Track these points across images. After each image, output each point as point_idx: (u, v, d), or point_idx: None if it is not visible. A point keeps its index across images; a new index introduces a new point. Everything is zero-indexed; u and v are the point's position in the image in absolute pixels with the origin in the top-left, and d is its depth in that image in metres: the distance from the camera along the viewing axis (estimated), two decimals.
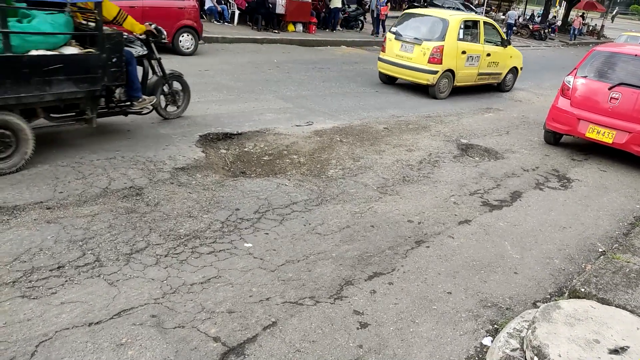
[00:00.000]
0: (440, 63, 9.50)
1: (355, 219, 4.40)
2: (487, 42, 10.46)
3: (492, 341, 3.03)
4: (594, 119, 6.82)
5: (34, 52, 4.40)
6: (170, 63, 9.98)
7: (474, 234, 4.43)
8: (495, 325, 3.21)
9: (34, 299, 2.89)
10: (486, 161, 6.52)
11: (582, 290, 3.32)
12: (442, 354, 2.89)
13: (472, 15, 10.79)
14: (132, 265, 3.30)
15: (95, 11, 4.81)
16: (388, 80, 10.76)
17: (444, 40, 9.48)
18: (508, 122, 8.84)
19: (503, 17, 30.61)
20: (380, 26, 18.70)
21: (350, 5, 20.95)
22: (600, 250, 4.45)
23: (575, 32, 31.21)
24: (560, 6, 39.35)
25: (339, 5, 18.33)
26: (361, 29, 20.16)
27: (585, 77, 7.16)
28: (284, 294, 3.23)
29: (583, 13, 36.80)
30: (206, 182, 4.72)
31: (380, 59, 10.42)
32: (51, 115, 4.92)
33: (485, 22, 10.50)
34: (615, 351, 2.62)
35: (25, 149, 4.44)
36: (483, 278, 3.75)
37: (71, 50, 4.76)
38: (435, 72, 9.54)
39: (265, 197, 4.59)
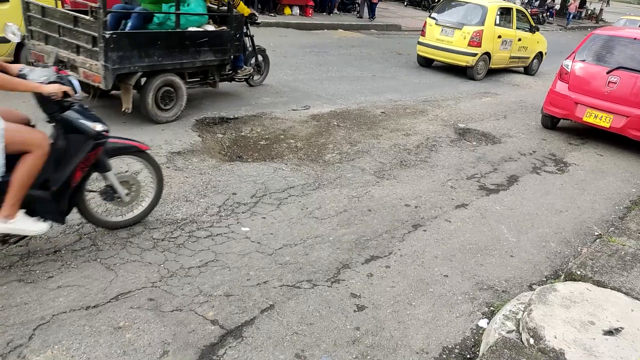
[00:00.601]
0: (480, 46, 10.30)
1: (352, 203, 4.39)
2: (518, 27, 11.26)
3: (488, 323, 3.05)
4: (591, 103, 6.81)
5: (191, 29, 5.73)
6: None
7: (471, 217, 4.44)
8: (492, 308, 3.23)
9: (30, 282, 2.88)
10: (483, 145, 6.51)
11: (578, 273, 3.34)
12: (438, 335, 2.91)
13: (506, 3, 11.40)
14: (129, 249, 3.29)
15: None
16: (425, 63, 11.42)
17: (483, 25, 10.28)
18: (506, 106, 8.81)
19: None
20: (373, 10, 18.28)
21: None
22: (596, 233, 4.47)
23: (571, 17, 31.02)
24: None
25: None
26: (358, 12, 19.96)
27: (583, 60, 7.13)
28: (281, 277, 3.24)
29: None
30: (203, 167, 4.70)
31: (420, 43, 11.09)
32: (188, 80, 6.01)
33: (517, 9, 11.31)
34: (609, 332, 2.65)
35: (182, 102, 5.80)
36: (479, 261, 3.76)
37: (210, 27, 6.05)
38: (474, 55, 10.33)
39: (262, 181, 4.57)
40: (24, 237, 3.03)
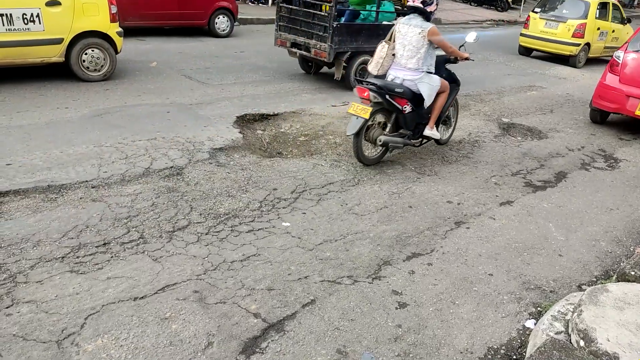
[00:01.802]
0: (583, 37, 11.63)
1: (392, 200, 4.35)
2: (612, 20, 12.47)
3: (535, 324, 2.96)
4: None
5: (384, 22, 7.49)
6: (206, 45, 10.08)
7: (516, 215, 4.32)
8: (539, 308, 3.13)
9: (81, 274, 3.00)
10: (529, 140, 6.31)
11: (632, 273, 3.18)
12: (483, 335, 2.85)
13: None
14: (175, 243, 3.37)
15: None
16: (526, 53, 12.74)
17: (586, 19, 11.58)
18: (552, 100, 8.51)
19: None
20: None
21: None
22: None
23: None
24: None
25: None
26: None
27: (637, 51, 6.79)
28: (322, 272, 3.24)
29: None
30: (244, 162, 4.76)
31: (522, 35, 12.49)
32: None
33: (612, 4, 12.50)
34: None
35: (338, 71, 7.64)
36: (526, 260, 3.65)
37: (394, 22, 7.05)
38: (578, 45, 11.65)
39: (302, 177, 4.59)
40: (432, 140, 5.33)
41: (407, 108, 4.79)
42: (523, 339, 2.87)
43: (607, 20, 12.26)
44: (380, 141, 4.79)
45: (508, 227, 4.10)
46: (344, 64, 7.47)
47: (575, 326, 2.62)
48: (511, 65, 11.19)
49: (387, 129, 4.90)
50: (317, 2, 7.55)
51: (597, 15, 11.81)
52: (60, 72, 6.76)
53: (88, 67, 6.69)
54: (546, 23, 11.98)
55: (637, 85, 6.61)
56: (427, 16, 4.72)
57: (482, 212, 4.29)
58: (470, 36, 5.30)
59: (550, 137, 6.47)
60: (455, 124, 5.90)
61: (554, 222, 4.26)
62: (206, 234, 3.51)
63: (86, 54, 6.62)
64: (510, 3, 23.86)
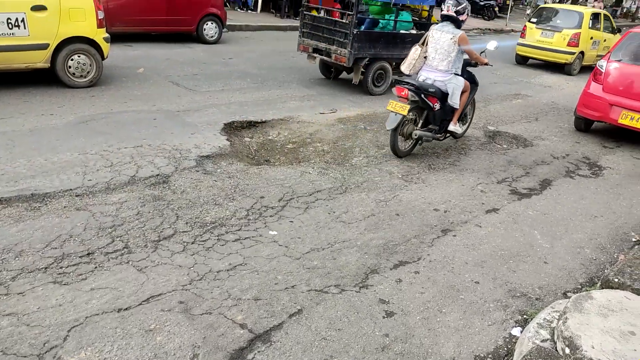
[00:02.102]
0: (577, 46, 12.18)
1: (380, 207, 4.36)
2: (604, 30, 13.05)
3: (521, 332, 2.97)
4: (627, 104, 6.59)
5: (401, 31, 8.13)
6: (194, 51, 10.05)
7: (502, 222, 4.35)
8: (525, 316, 3.15)
9: (65, 285, 2.95)
10: (514, 148, 6.37)
11: (616, 280, 3.22)
12: (469, 344, 2.85)
13: (595, 10, 13.45)
14: (160, 252, 3.34)
15: (427, 9, 8.98)
16: (523, 61, 13.29)
17: (580, 28, 12.16)
18: (537, 108, 8.62)
19: None
20: None
21: None
22: (634, 239, 4.32)
23: None
24: None
25: None
26: None
27: (619, 60, 6.91)
28: (309, 281, 3.23)
29: None
30: (231, 170, 4.74)
31: (519, 44, 13.03)
32: (393, 69, 8.27)
33: (604, 14, 13.24)
34: None
35: (387, 83, 8.29)
36: (512, 267, 3.68)
37: (413, 32, 8.34)
38: (572, 53, 12.16)
39: (289, 185, 4.58)
40: (453, 135, 6.05)
41: (437, 106, 5.37)
42: (509, 347, 2.88)
43: (600, 30, 12.86)
44: (415, 135, 5.43)
45: (494, 234, 4.12)
46: (362, 70, 8.00)
47: (561, 334, 2.64)
48: (497, 73, 11.32)
49: (419, 125, 5.48)
50: (339, 10, 8.63)
51: (590, 25, 12.40)
52: (45, 78, 6.68)
53: (74, 73, 6.63)
54: (542, 33, 12.56)
55: (620, 94, 6.72)
56: (458, 24, 5.28)
57: (469, 220, 4.32)
58: (491, 44, 5.81)
59: (536, 145, 6.54)
60: (471, 121, 6.45)
61: (539, 229, 4.30)
62: (192, 243, 3.48)
63: (72, 59, 6.56)
64: (497, 12, 24.25)
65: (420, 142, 5.65)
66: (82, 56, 6.61)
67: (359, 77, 7.96)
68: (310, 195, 4.45)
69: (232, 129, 5.90)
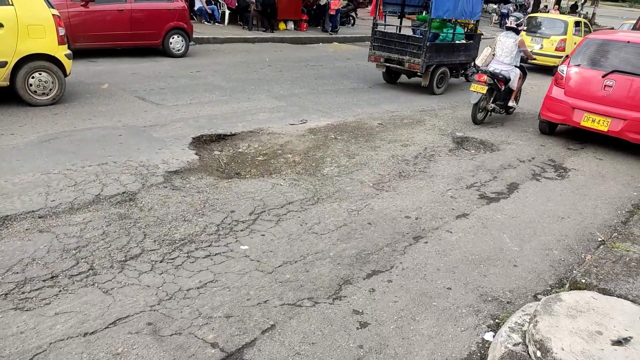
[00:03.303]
0: (564, 50, 13.54)
1: (352, 217, 4.36)
2: (584, 35, 13.61)
3: (493, 336, 2.99)
4: (588, 107, 6.80)
5: (456, 41, 10.14)
6: (161, 65, 9.94)
7: (472, 227, 4.40)
8: (497, 320, 3.18)
9: (27, 310, 2.84)
10: (482, 153, 6.48)
11: (583, 281, 3.29)
12: (443, 351, 2.86)
13: (577, 18, 15.24)
14: (127, 273, 3.25)
15: (473, 23, 11.00)
16: None
17: (566, 34, 13.68)
18: (503, 113, 8.79)
19: (495, 7, 30.64)
20: (329, 21, 17.27)
21: (342, 2, 20.84)
22: (599, 239, 4.43)
23: None
24: None
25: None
26: (353, 24, 20.11)
27: (578, 65, 7.13)
28: (282, 295, 3.19)
29: (576, 1, 36.77)
30: (200, 185, 4.67)
31: None
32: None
33: (584, 22, 14.88)
34: (618, 342, 2.59)
35: (446, 85, 10.17)
36: (483, 272, 3.71)
37: (463, 41, 10.48)
38: (560, 57, 13.27)
39: (260, 197, 4.54)
40: (507, 110, 8.40)
41: (503, 87, 7.72)
42: (483, 352, 2.89)
43: (581, 36, 13.89)
44: (490, 107, 7.82)
45: (464, 240, 4.17)
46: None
47: (532, 337, 2.67)
48: (463, 79, 11.53)
49: (490, 101, 7.84)
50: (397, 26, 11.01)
51: (574, 32, 13.98)
52: (5, 97, 6.48)
53: (35, 91, 6.46)
54: (532, 39, 13.97)
55: (581, 97, 6.93)
56: (517, 32, 7.81)
57: (440, 226, 4.35)
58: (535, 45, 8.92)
59: (502, 150, 6.67)
60: (519, 100, 8.63)
61: (508, 233, 4.37)
62: (160, 262, 3.40)
63: (33, 77, 6.40)
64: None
65: (490, 113, 7.93)
66: (44, 73, 6.45)
67: (427, 80, 9.60)
68: (281, 207, 4.41)
69: (201, 142, 5.83)
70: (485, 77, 7.39)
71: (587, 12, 37.60)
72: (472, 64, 10.61)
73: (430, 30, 9.42)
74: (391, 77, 10.55)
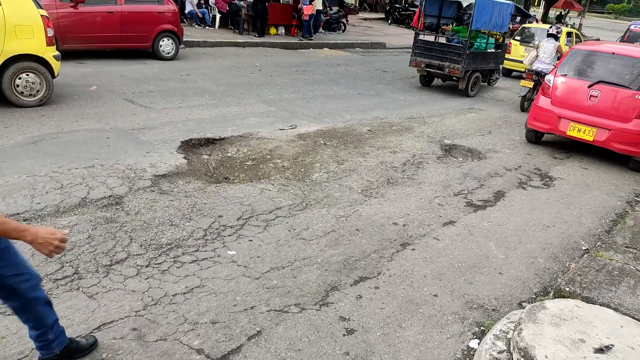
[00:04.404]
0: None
1: (340, 223, 4.36)
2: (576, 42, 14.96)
3: (479, 344, 3.01)
4: (574, 117, 6.90)
5: (489, 50, 11.44)
6: (150, 68, 9.89)
7: (459, 234, 4.43)
8: (482, 327, 3.20)
9: (9, 315, 2.79)
10: (469, 161, 6.54)
11: (567, 289, 3.33)
12: (429, 358, 2.87)
13: (568, 29, 15.83)
14: (112, 277, 3.22)
15: (500, 34, 12.16)
16: (507, 74, 14.94)
17: (558, 43, 14.37)
18: (490, 121, 8.90)
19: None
20: (306, 28, 16.57)
21: (332, 8, 20.98)
22: (583, 248, 4.48)
23: None
24: (539, 6, 39.87)
25: (321, 7, 18.29)
26: (343, 30, 20.21)
27: (565, 75, 7.24)
28: (268, 301, 3.18)
29: (561, 12, 37.34)
30: (188, 189, 4.65)
31: (506, 59, 14.09)
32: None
33: (575, 33, 15.59)
34: (600, 350, 2.62)
35: (478, 88, 11.42)
36: (469, 279, 3.74)
37: (491, 50, 11.69)
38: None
39: (248, 202, 4.53)
40: None
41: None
42: (468, 359, 2.91)
43: (573, 44, 14.34)
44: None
45: (451, 247, 4.20)
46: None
47: (516, 344, 2.69)
48: (451, 88, 11.64)
49: (534, 93, 9.31)
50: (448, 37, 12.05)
51: (566, 42, 14.21)
52: None
53: (22, 92, 6.39)
54: (525, 49, 14.11)
55: (567, 107, 7.04)
56: (557, 38, 9.61)
57: (427, 233, 4.38)
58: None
59: (489, 158, 6.74)
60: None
61: (494, 240, 4.41)
62: (146, 267, 3.37)
63: (20, 78, 6.33)
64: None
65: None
66: (31, 74, 6.39)
67: (465, 84, 10.80)
68: (270, 212, 4.41)
69: (189, 146, 5.81)
70: (532, 75, 9.50)
71: (574, 23, 38.21)
72: (498, 71, 12.20)
73: (469, 39, 10.48)
74: (426, 81, 11.69)
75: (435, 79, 11.78)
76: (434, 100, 10.16)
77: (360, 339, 2.95)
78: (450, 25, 12.87)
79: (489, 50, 11.54)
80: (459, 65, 10.35)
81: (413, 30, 11.67)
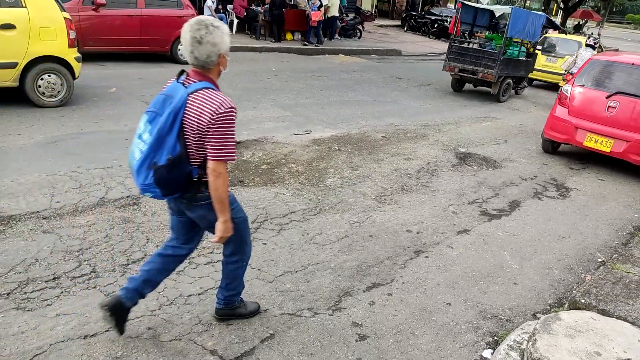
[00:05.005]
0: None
1: (353, 229, 4.37)
2: None
3: (492, 354, 3.00)
4: (591, 127, 6.83)
5: (520, 58, 11.80)
6: (168, 71, 10.01)
7: (473, 243, 4.41)
8: (495, 337, 3.18)
9: (28, 310, 2.85)
10: (484, 170, 6.51)
11: (582, 301, 3.30)
12: None
13: (586, 39, 15.59)
14: (129, 276, 3.26)
15: (531, 43, 12.39)
16: (529, 82, 14.56)
17: (595, 52, 15.20)
18: (506, 130, 8.85)
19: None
20: (313, 34, 16.54)
21: (349, 14, 21.05)
22: (599, 260, 4.43)
23: None
24: (557, 15, 39.61)
25: (337, 14, 18.36)
26: (359, 37, 20.27)
27: (582, 85, 7.18)
28: (282, 305, 3.20)
29: (579, 22, 37.04)
30: None
31: None
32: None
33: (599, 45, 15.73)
34: None
35: (509, 93, 11.82)
36: (482, 289, 3.72)
37: (523, 58, 11.95)
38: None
39: (263, 206, 4.56)
40: None
41: None
42: None
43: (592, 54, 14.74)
44: None
45: (465, 255, 4.18)
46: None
47: (530, 355, 2.67)
48: (467, 96, 11.61)
49: None
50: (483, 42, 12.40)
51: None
52: (14, 97, 6.55)
53: (44, 93, 6.52)
54: (547, 58, 14.50)
55: (584, 117, 6.97)
56: (594, 48, 10.92)
57: (441, 241, 4.37)
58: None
59: (505, 167, 6.70)
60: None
61: (509, 250, 4.38)
62: None
63: (42, 79, 6.47)
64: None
65: None
66: (53, 75, 6.53)
67: (497, 89, 11.10)
68: (284, 216, 4.44)
69: None
70: (569, 76, 10.04)
71: (592, 33, 37.84)
72: (526, 80, 12.70)
73: (504, 47, 10.95)
74: (458, 86, 12.04)
75: (467, 84, 12.05)
76: (450, 108, 10.13)
77: (373, 345, 2.95)
78: (484, 33, 13.47)
79: (521, 58, 11.80)
80: (492, 71, 10.65)
81: (449, 36, 12.05)
